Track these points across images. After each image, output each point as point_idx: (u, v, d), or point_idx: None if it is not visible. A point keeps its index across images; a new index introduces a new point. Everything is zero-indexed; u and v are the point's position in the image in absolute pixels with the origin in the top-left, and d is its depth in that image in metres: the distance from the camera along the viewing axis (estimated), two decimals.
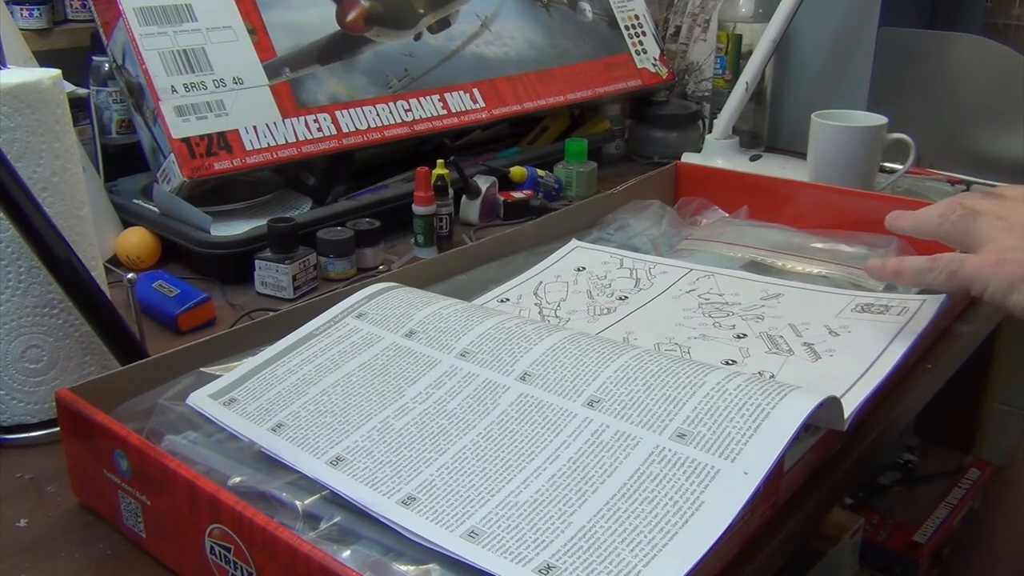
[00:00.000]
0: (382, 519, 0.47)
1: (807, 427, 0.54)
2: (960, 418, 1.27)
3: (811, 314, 0.70)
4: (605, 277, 0.79)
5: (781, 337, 0.65)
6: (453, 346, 0.59)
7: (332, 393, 0.58)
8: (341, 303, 0.67)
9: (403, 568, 0.46)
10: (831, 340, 0.65)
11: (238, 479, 0.52)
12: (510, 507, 0.46)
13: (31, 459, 0.65)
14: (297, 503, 0.50)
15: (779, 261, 0.82)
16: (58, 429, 0.60)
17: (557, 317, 0.73)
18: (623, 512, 0.45)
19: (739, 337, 0.66)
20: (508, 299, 0.76)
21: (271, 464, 0.54)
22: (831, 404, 0.50)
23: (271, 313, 0.71)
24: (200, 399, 0.59)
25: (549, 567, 0.42)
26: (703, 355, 0.64)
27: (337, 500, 0.50)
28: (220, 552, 0.48)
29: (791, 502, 0.55)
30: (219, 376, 0.61)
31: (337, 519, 0.49)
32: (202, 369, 0.63)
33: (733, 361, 0.63)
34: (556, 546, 0.44)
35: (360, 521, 0.49)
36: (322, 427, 0.55)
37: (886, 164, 1.11)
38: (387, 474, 0.50)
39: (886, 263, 0.67)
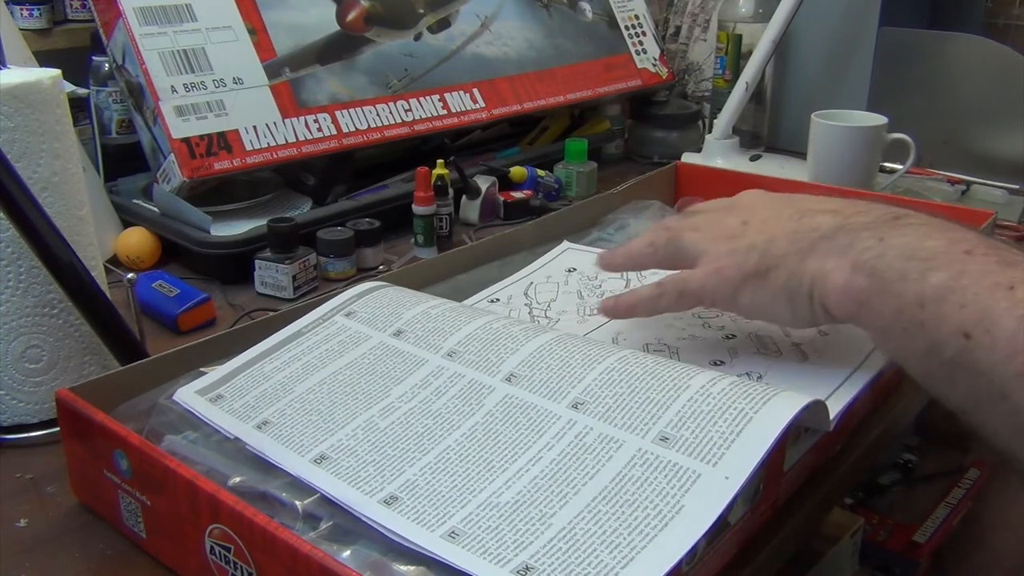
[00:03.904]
0: (364, 518, 0.47)
1: (806, 428, 0.54)
2: (960, 418, 1.26)
3: None
4: (596, 278, 0.79)
5: (770, 338, 0.65)
6: (440, 346, 0.59)
7: (318, 391, 0.58)
8: (329, 301, 0.67)
9: (403, 568, 0.46)
10: (819, 340, 0.65)
11: (238, 479, 0.52)
12: (491, 508, 0.46)
13: (31, 459, 0.65)
14: (297, 503, 0.50)
15: None
16: (58, 429, 0.59)
17: (547, 318, 0.73)
18: (603, 514, 0.45)
19: (728, 338, 0.66)
20: (498, 299, 0.76)
21: (271, 464, 0.54)
22: (816, 407, 0.50)
23: (271, 313, 0.71)
24: (187, 395, 0.59)
25: (528, 568, 0.42)
26: (692, 356, 0.64)
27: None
28: (220, 552, 0.48)
29: (791, 502, 0.55)
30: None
31: (337, 519, 0.49)
32: (202, 369, 0.63)
33: (721, 362, 0.63)
34: (535, 547, 0.43)
35: (360, 521, 0.49)
36: (307, 425, 0.54)
37: (886, 164, 1.11)
38: (370, 473, 0.50)
39: (619, 300, 0.64)
